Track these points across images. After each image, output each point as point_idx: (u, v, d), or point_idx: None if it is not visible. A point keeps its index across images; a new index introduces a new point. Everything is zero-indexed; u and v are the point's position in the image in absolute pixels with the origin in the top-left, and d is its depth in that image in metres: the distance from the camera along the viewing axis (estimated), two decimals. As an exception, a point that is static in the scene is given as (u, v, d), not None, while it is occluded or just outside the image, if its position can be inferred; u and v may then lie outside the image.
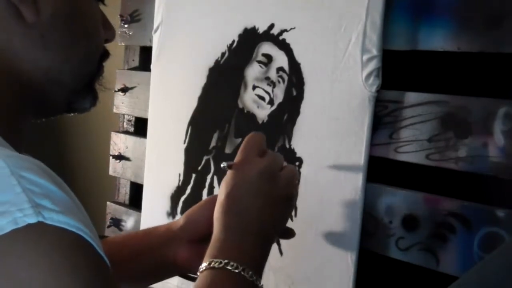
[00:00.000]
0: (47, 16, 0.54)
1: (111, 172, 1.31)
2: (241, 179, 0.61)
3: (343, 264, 0.84)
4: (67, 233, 0.44)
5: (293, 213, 0.90)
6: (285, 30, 0.92)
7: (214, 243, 0.59)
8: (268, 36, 0.94)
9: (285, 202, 0.62)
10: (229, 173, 0.62)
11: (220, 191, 0.62)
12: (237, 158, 0.63)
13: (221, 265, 0.56)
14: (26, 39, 0.54)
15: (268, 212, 0.60)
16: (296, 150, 0.90)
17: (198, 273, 0.57)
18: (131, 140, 1.26)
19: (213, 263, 0.56)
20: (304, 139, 0.89)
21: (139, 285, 0.77)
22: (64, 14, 0.55)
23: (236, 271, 0.55)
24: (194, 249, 0.66)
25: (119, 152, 1.28)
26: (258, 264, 0.58)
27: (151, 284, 0.78)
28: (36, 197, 0.44)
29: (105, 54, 0.63)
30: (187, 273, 0.73)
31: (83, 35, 0.58)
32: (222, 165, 0.63)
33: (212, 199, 0.66)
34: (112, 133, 1.31)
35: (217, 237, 0.59)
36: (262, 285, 0.59)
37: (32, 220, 0.43)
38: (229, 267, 0.56)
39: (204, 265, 0.57)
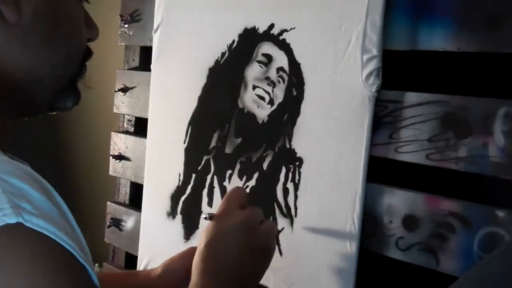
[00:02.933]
0: (29, 17, 0.54)
1: (111, 172, 1.31)
2: (221, 229, 0.63)
3: (343, 264, 0.84)
4: (45, 238, 0.44)
5: (293, 213, 0.90)
6: (285, 30, 0.92)
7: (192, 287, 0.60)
8: (268, 36, 0.94)
9: (262, 254, 0.64)
10: (210, 223, 0.64)
11: (200, 240, 0.64)
12: (218, 210, 0.66)
13: None
14: (8, 40, 0.54)
15: (246, 261, 0.62)
16: (296, 150, 0.90)
17: None
18: (131, 140, 1.26)
19: None
20: (304, 139, 0.89)
21: None
22: (46, 15, 0.56)
23: None
24: None
25: (119, 152, 1.28)
26: None
27: None
28: (16, 199, 0.44)
29: (88, 53, 0.63)
30: None
31: (65, 35, 0.58)
32: (203, 216, 0.66)
33: (191, 250, 0.68)
34: (112, 133, 1.31)
35: (194, 283, 0.61)
36: None
37: (12, 220, 0.42)
38: None
39: None
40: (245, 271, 0.62)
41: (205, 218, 0.66)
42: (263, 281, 0.94)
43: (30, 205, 0.44)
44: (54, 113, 0.63)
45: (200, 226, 1.03)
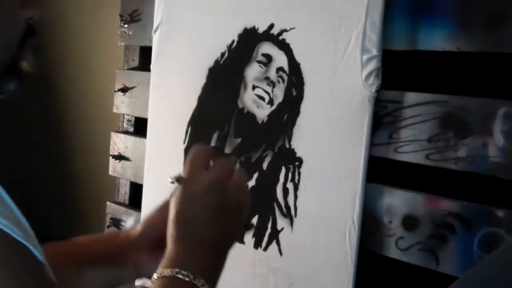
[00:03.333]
0: None
1: (111, 172, 1.31)
2: (189, 195, 0.63)
3: (343, 264, 0.84)
4: None
5: (293, 213, 0.90)
6: (285, 30, 0.92)
7: (167, 255, 0.61)
8: (268, 36, 0.94)
9: (233, 212, 0.64)
10: (177, 188, 0.64)
11: (171, 207, 0.64)
12: (184, 172, 0.65)
13: (171, 274, 0.57)
14: None
15: (218, 223, 0.62)
16: (296, 150, 0.90)
17: (151, 283, 0.59)
18: (131, 140, 1.26)
19: (164, 271, 0.58)
20: (304, 139, 0.89)
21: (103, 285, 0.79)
22: None
23: (187, 279, 0.57)
24: (152, 254, 0.66)
25: (119, 152, 1.28)
26: (210, 274, 0.60)
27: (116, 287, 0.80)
28: None
29: (30, 32, 0.62)
30: (147, 278, 0.75)
31: None
32: (169, 180, 0.65)
33: (167, 204, 0.67)
34: (112, 133, 1.31)
35: (169, 250, 0.61)
36: None
37: None
38: (180, 276, 0.57)
39: (155, 275, 0.58)
40: (218, 235, 0.63)
41: (172, 182, 0.65)
42: (263, 281, 0.94)
43: None
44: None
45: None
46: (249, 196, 0.67)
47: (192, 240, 0.62)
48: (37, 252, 0.48)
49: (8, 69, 0.60)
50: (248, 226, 0.70)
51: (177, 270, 0.58)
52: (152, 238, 0.72)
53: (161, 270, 0.59)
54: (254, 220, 0.96)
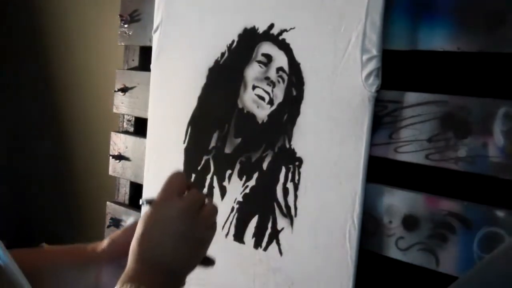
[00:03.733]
0: None
1: (111, 172, 1.31)
2: (158, 218, 0.64)
3: (343, 264, 0.84)
4: None
5: (293, 213, 0.90)
6: (285, 30, 0.92)
7: (127, 271, 0.62)
8: (268, 36, 0.94)
9: (198, 244, 0.66)
10: (148, 209, 0.65)
11: (139, 225, 0.65)
12: (157, 196, 0.66)
13: None
14: None
15: (181, 250, 0.64)
16: (296, 150, 0.90)
17: None
18: (131, 140, 1.26)
19: (124, 286, 0.59)
20: (304, 139, 0.89)
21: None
22: None
23: None
24: (113, 271, 0.67)
25: (119, 152, 1.28)
26: None
27: None
28: None
29: None
30: None
31: None
32: (140, 202, 0.67)
33: (134, 226, 0.68)
34: (112, 133, 1.31)
35: (130, 267, 0.63)
36: None
37: None
38: None
39: None
40: (179, 260, 0.64)
41: (142, 204, 0.67)
42: (263, 281, 0.94)
43: None
44: None
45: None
46: (215, 230, 0.68)
47: (153, 261, 0.63)
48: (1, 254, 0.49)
49: None
50: (208, 262, 0.72)
51: (136, 285, 0.59)
52: (115, 256, 0.73)
53: (120, 285, 0.60)
54: (255, 220, 0.96)
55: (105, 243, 0.77)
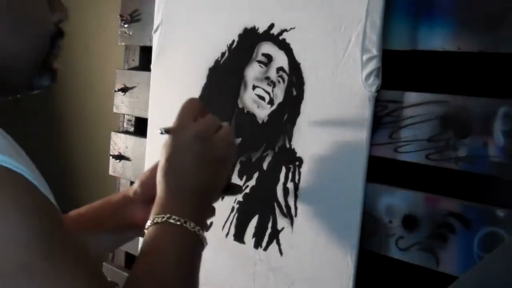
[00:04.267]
0: None
1: (111, 172, 1.31)
2: (177, 144, 0.67)
3: (343, 264, 0.84)
4: (9, 171, 0.48)
5: (293, 213, 0.90)
6: (285, 30, 0.92)
7: (157, 202, 0.64)
8: (268, 36, 0.94)
9: (219, 162, 0.67)
10: (167, 138, 0.67)
11: (161, 156, 0.68)
12: (174, 123, 0.68)
13: (163, 220, 0.61)
14: None
15: (204, 171, 0.66)
16: (296, 150, 0.90)
17: (145, 231, 0.62)
18: (131, 140, 1.26)
19: (156, 219, 0.61)
20: (304, 139, 0.89)
21: (107, 248, 0.85)
22: (7, 6, 0.59)
23: (178, 223, 0.61)
24: (149, 210, 0.68)
25: (119, 152, 1.28)
26: (199, 217, 0.63)
27: (117, 247, 0.86)
28: None
29: (60, 34, 0.67)
30: None
31: (28, 23, 0.61)
32: (159, 131, 0.69)
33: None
34: (112, 133, 1.31)
35: (159, 197, 0.65)
36: (205, 236, 0.63)
37: None
38: (171, 221, 0.61)
39: (149, 222, 0.62)
40: (204, 182, 0.66)
41: (161, 133, 0.68)
42: (263, 281, 0.94)
43: None
44: (34, 92, 0.67)
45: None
46: (235, 150, 0.70)
47: (180, 185, 0.65)
48: (55, 203, 0.52)
49: (41, 67, 0.65)
50: (235, 189, 0.73)
51: (168, 215, 0.61)
52: (147, 195, 0.76)
53: (153, 217, 0.62)
54: (255, 220, 0.96)
55: (135, 185, 0.81)
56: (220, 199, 0.79)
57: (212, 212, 0.77)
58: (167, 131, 0.68)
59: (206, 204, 0.68)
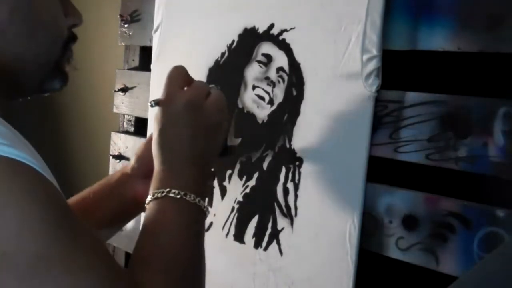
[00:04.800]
0: (6, 15, 0.58)
1: (111, 172, 1.31)
2: (169, 115, 0.66)
3: (343, 264, 0.84)
4: (19, 163, 0.48)
5: (293, 213, 0.90)
6: (285, 30, 0.92)
7: (155, 176, 0.64)
8: (268, 36, 0.94)
9: (212, 129, 0.67)
10: (157, 110, 0.67)
11: (153, 129, 0.67)
12: (162, 94, 0.68)
13: (163, 194, 0.61)
14: None
15: (198, 140, 0.65)
16: (296, 150, 0.90)
17: (146, 206, 0.62)
18: (131, 140, 1.26)
19: (156, 193, 0.61)
20: (304, 139, 0.89)
21: (111, 228, 0.84)
22: (22, 11, 0.59)
23: (178, 196, 0.61)
24: (148, 184, 0.68)
25: (119, 152, 1.28)
26: (198, 188, 0.63)
27: (124, 225, 0.86)
28: None
29: (72, 38, 0.67)
30: None
31: (42, 27, 0.62)
32: (149, 104, 0.68)
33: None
34: (112, 133, 1.31)
35: (157, 171, 0.64)
36: (206, 206, 0.63)
37: None
38: (171, 194, 0.61)
39: (149, 197, 0.62)
40: (200, 150, 0.65)
41: (151, 105, 0.68)
42: (263, 281, 0.94)
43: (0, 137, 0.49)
44: (45, 94, 0.67)
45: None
46: (227, 113, 0.70)
47: (176, 157, 0.64)
48: (62, 193, 0.53)
49: (53, 70, 0.65)
50: (231, 149, 0.73)
51: (167, 189, 0.61)
52: (145, 170, 0.76)
53: (153, 192, 0.62)
54: (255, 220, 0.96)
55: (132, 161, 0.81)
56: (218, 164, 0.78)
57: (212, 177, 0.77)
58: (157, 103, 0.67)
59: (204, 172, 0.67)
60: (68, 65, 0.67)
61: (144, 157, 0.77)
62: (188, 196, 0.61)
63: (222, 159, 0.77)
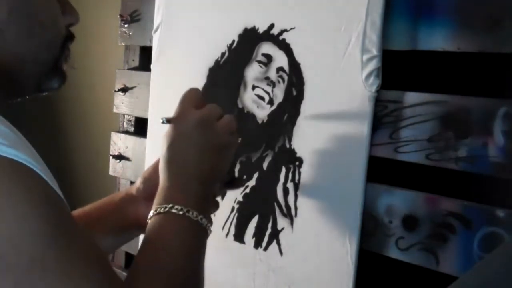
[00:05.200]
0: (4, 15, 0.58)
1: (111, 172, 1.31)
2: (179, 132, 0.66)
3: (343, 264, 0.84)
4: (18, 164, 0.48)
5: (293, 213, 0.90)
6: (285, 30, 0.92)
7: (160, 192, 0.64)
8: (268, 36, 0.94)
9: (221, 149, 0.67)
10: (168, 127, 0.67)
11: (162, 145, 0.67)
12: (175, 112, 0.68)
13: (166, 210, 0.61)
14: None
15: (206, 159, 0.65)
16: (296, 150, 0.90)
17: (148, 221, 0.62)
18: (131, 140, 1.26)
19: (159, 209, 0.61)
20: (304, 139, 0.89)
21: (110, 246, 0.84)
22: (20, 10, 0.59)
23: (181, 213, 0.60)
24: (151, 206, 0.68)
25: (119, 152, 1.28)
26: (201, 206, 0.63)
27: (122, 244, 0.85)
28: None
29: (70, 37, 0.67)
30: None
31: (40, 27, 0.62)
32: (160, 120, 0.68)
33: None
34: (112, 133, 1.31)
35: (161, 187, 0.64)
36: (208, 224, 0.63)
37: None
38: (173, 210, 0.60)
39: (151, 212, 0.62)
40: (206, 170, 0.65)
41: (163, 122, 0.68)
42: (263, 281, 0.94)
43: (1, 138, 0.48)
44: (43, 94, 0.67)
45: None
46: (237, 138, 0.70)
47: (182, 174, 0.64)
48: (61, 195, 0.52)
49: (52, 69, 0.65)
50: (237, 181, 0.72)
51: (170, 205, 0.61)
52: (149, 191, 0.75)
53: (156, 207, 0.62)
54: (255, 220, 0.96)
55: (138, 182, 0.80)
56: (222, 195, 0.78)
57: (215, 205, 0.77)
58: (168, 120, 0.67)
59: (209, 192, 0.67)
60: (66, 64, 0.67)
61: (151, 179, 0.77)
62: (190, 213, 0.61)
63: (228, 189, 0.76)
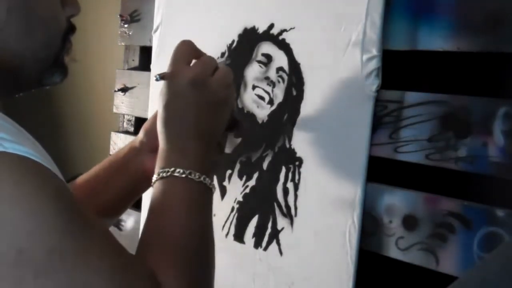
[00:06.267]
0: (4, 13, 0.58)
1: (111, 172, 1.31)
2: (174, 90, 0.65)
3: (343, 264, 0.84)
4: (25, 159, 0.48)
5: (293, 213, 0.90)
6: (285, 30, 0.92)
7: (160, 155, 0.63)
8: (268, 36, 0.94)
9: (218, 106, 0.66)
10: (163, 84, 0.66)
11: (158, 104, 0.66)
12: (168, 69, 0.67)
13: (168, 174, 0.61)
14: None
15: (203, 117, 0.64)
16: (296, 150, 0.90)
17: (152, 187, 0.62)
18: (131, 140, 1.26)
19: (161, 173, 0.61)
20: (304, 139, 0.89)
21: (123, 205, 0.85)
22: (19, 8, 0.59)
23: (183, 176, 0.60)
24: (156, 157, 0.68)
25: (119, 152, 1.28)
26: (203, 166, 0.63)
27: (135, 199, 0.86)
28: None
29: (71, 29, 0.66)
30: None
31: (41, 22, 0.61)
32: (154, 78, 0.67)
33: None
34: (112, 133, 1.31)
35: (162, 149, 0.64)
36: (212, 183, 0.63)
37: None
38: (176, 174, 0.60)
39: (154, 177, 0.62)
40: (204, 128, 0.65)
41: (156, 79, 0.67)
42: (263, 281, 0.94)
43: (6, 133, 0.49)
44: (46, 87, 0.67)
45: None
46: (233, 90, 0.69)
47: (181, 134, 0.64)
48: (67, 186, 0.53)
49: (53, 63, 0.64)
50: (238, 123, 0.71)
51: (172, 169, 0.61)
52: (153, 143, 0.75)
53: (158, 172, 0.61)
54: (255, 220, 0.96)
55: (140, 135, 0.80)
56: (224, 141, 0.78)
57: (220, 150, 0.76)
58: (162, 77, 0.66)
59: (209, 149, 0.66)
60: (67, 57, 0.66)
61: (152, 131, 0.76)
62: (193, 175, 0.60)
63: (229, 133, 0.75)
